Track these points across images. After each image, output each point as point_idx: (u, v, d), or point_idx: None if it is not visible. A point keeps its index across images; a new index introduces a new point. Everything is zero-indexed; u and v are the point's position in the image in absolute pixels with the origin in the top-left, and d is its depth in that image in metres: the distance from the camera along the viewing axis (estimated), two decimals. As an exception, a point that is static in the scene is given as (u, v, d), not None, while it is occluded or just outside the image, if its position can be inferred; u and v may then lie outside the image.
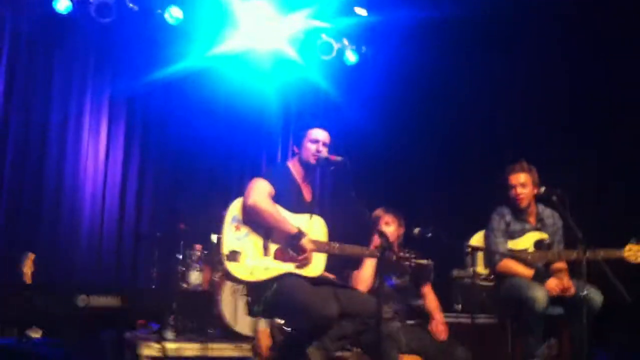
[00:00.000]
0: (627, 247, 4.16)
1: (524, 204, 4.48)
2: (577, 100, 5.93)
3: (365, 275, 4.24)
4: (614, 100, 5.67)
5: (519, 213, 4.53)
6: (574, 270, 4.30)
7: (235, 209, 3.77)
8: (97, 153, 6.35)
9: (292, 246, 3.76)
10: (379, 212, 4.39)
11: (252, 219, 3.74)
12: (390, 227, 4.34)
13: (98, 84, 6.44)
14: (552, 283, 4.23)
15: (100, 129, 6.42)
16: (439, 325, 4.29)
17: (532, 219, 4.56)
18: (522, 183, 4.46)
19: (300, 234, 3.73)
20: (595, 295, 4.16)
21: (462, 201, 6.14)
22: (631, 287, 3.95)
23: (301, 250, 3.75)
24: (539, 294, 4.13)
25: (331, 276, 4.05)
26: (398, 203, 4.63)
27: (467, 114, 6.49)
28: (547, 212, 4.58)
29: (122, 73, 6.51)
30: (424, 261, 3.97)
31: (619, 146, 5.45)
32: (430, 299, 4.47)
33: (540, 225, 4.54)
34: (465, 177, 6.36)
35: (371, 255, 3.87)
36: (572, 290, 4.21)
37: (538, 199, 4.51)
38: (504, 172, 4.55)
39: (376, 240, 4.00)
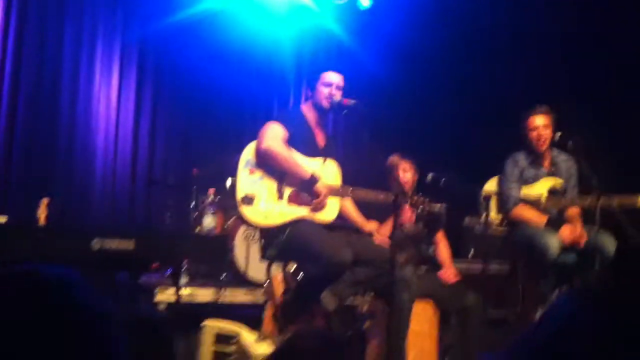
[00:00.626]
0: None
1: (544, 146, 4.44)
2: (592, 46, 5.80)
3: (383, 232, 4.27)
4: (633, 45, 5.54)
5: (534, 157, 4.50)
6: (587, 217, 4.29)
7: (248, 153, 3.76)
8: (109, 98, 6.31)
9: (306, 190, 3.76)
10: (395, 159, 4.38)
11: (266, 163, 3.74)
12: (407, 173, 4.35)
13: (109, 27, 6.36)
14: (565, 231, 4.21)
15: (112, 73, 6.36)
16: (449, 273, 4.33)
17: (546, 164, 4.52)
18: (545, 125, 4.42)
19: (314, 178, 3.72)
20: (609, 243, 4.15)
21: (477, 148, 6.09)
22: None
23: (315, 194, 3.74)
24: (552, 242, 4.12)
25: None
26: (412, 149, 4.61)
27: (484, 59, 6.38)
28: (562, 157, 4.54)
29: (134, 16, 6.43)
30: (437, 206, 3.96)
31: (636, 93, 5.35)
32: (442, 247, 4.49)
33: (555, 170, 4.51)
34: (481, 124, 6.30)
35: (385, 200, 3.85)
36: (584, 239, 4.21)
37: (553, 144, 4.47)
38: (522, 117, 4.51)
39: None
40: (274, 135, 3.74)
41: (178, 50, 6.58)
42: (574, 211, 4.41)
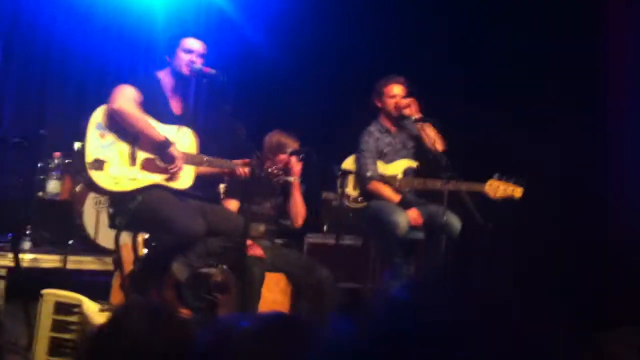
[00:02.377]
0: (489, 182, 4.30)
1: (393, 113, 4.59)
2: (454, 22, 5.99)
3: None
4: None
5: (387, 127, 4.64)
6: (436, 197, 4.47)
7: (99, 115, 3.58)
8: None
9: (161, 155, 3.63)
10: (280, 136, 4.30)
11: (118, 125, 3.57)
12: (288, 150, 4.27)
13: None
14: (413, 214, 4.37)
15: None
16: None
17: (395, 131, 4.66)
18: (402, 94, 4.57)
19: (167, 142, 3.61)
20: (455, 222, 4.35)
21: (339, 122, 6.16)
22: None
23: (170, 159, 3.62)
24: (401, 219, 4.26)
25: None
26: (276, 122, 4.58)
27: (357, 37, 6.44)
28: (409, 126, 4.69)
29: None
30: (291, 178, 3.96)
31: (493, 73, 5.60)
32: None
33: (401, 135, 4.67)
34: (343, 99, 6.38)
35: (240, 169, 3.81)
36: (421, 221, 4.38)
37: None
38: (376, 86, 4.62)
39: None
40: (125, 96, 3.59)
41: (39, 10, 6.13)
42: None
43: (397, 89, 4.58)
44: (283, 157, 4.23)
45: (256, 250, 4.14)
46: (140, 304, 1.95)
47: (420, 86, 4.73)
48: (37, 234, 4.74)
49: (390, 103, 4.58)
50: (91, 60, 6.31)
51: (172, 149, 3.62)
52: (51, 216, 4.89)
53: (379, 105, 4.65)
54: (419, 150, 4.66)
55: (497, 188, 4.27)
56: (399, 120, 4.64)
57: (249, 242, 4.00)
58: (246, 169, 3.83)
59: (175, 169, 3.66)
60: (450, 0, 5.99)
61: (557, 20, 5.45)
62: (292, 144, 4.30)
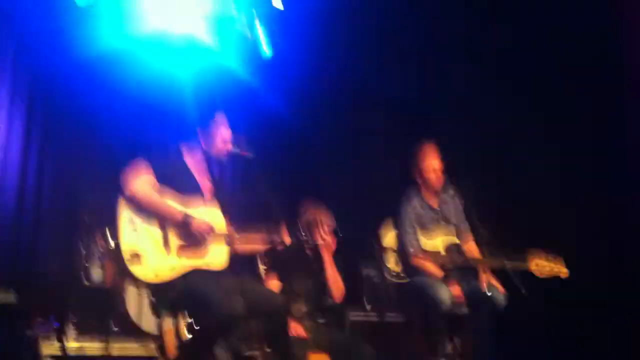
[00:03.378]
0: (535, 262, 4.28)
1: (436, 187, 4.61)
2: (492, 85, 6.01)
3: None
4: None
5: (426, 197, 4.63)
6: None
7: (127, 207, 3.64)
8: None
9: (186, 232, 3.64)
10: (315, 213, 4.31)
11: (137, 210, 3.62)
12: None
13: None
14: (456, 290, 4.32)
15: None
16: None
17: (436, 204, 4.67)
18: (436, 168, 4.59)
19: (187, 218, 3.64)
20: (499, 296, 4.28)
21: (374, 190, 6.16)
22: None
23: (198, 235, 3.63)
24: (445, 295, 4.22)
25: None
26: (310, 194, 4.59)
27: (386, 100, 6.51)
28: (448, 195, 4.70)
29: (25, 55, 6.15)
30: (321, 242, 3.92)
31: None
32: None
33: (444, 209, 4.66)
34: (384, 165, 6.40)
35: (272, 243, 3.81)
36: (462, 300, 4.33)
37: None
38: (410, 154, 4.66)
39: None
40: (141, 181, 3.66)
41: (71, 90, 6.32)
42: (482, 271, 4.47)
43: (435, 163, 4.60)
44: (317, 232, 4.24)
45: (299, 331, 4.10)
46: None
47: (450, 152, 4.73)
48: (82, 322, 4.76)
49: (432, 178, 4.59)
50: (123, 136, 6.42)
51: (195, 222, 3.64)
52: (95, 303, 4.93)
53: (419, 181, 4.64)
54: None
55: (544, 268, 4.22)
56: (441, 192, 4.63)
57: (291, 322, 3.98)
58: (284, 238, 3.83)
59: (209, 235, 3.65)
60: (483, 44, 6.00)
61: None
62: (327, 220, 4.31)
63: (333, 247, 4.24)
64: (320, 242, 4.05)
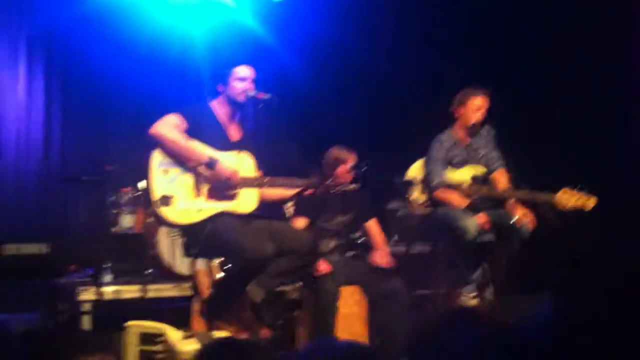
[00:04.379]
0: (562, 191, 4.25)
1: (477, 127, 4.56)
2: (515, 33, 5.90)
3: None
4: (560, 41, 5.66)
5: (458, 136, 4.61)
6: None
7: (159, 152, 3.68)
8: (15, 96, 6.02)
9: (212, 177, 3.68)
10: (336, 151, 4.37)
11: (164, 151, 3.66)
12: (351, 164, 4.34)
13: (14, 22, 6.06)
14: (482, 218, 4.33)
15: (18, 67, 6.07)
16: (384, 256, 4.36)
17: (468, 141, 4.63)
18: (486, 107, 4.55)
19: (213, 160, 3.67)
20: (526, 224, 4.29)
21: (396, 135, 6.16)
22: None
23: (222, 176, 3.68)
24: (470, 224, 4.24)
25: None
26: (331, 140, 4.61)
27: (401, 51, 6.42)
28: (482, 134, 4.66)
29: (39, 9, 6.14)
30: (351, 186, 3.95)
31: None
32: (374, 233, 4.51)
33: (473, 145, 4.62)
34: (398, 112, 6.37)
35: (301, 186, 3.84)
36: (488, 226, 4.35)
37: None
38: (457, 93, 4.60)
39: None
40: (165, 122, 3.70)
41: (88, 45, 6.31)
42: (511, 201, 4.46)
43: (481, 102, 4.54)
44: (341, 170, 4.27)
45: (323, 267, 4.15)
46: (228, 342, 2.01)
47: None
48: (116, 267, 4.89)
49: (471, 115, 4.54)
50: (143, 93, 6.43)
51: (220, 166, 3.67)
52: (128, 249, 5.04)
53: (457, 114, 4.60)
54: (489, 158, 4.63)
55: (569, 199, 4.20)
56: (474, 131, 4.60)
57: (319, 259, 4.06)
58: (310, 189, 3.85)
59: (232, 187, 3.70)
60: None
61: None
62: (348, 157, 4.35)
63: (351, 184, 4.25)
64: (342, 180, 4.07)
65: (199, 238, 3.69)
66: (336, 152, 4.40)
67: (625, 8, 5.32)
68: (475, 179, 4.56)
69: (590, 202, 4.21)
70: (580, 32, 5.44)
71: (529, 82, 5.62)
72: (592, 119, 5.35)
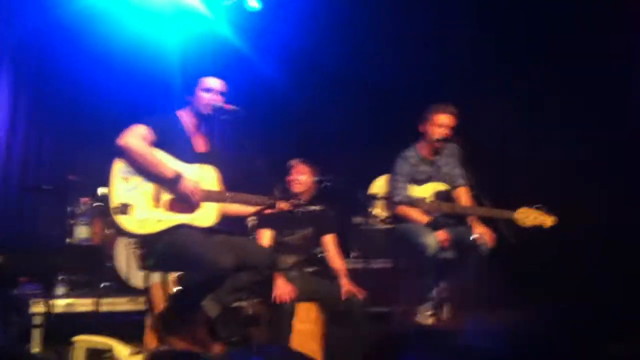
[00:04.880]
0: (520, 210, 4.31)
1: (438, 145, 4.58)
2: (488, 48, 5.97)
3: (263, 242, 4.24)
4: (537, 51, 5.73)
5: (424, 153, 4.62)
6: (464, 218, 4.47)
7: (121, 160, 3.62)
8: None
9: (174, 190, 3.64)
10: (293, 161, 4.38)
11: (129, 162, 3.60)
12: (303, 176, 4.33)
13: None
14: (442, 235, 4.35)
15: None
16: (347, 288, 4.28)
17: (432, 157, 4.66)
18: (450, 125, 4.55)
19: (177, 177, 3.62)
20: (485, 242, 4.31)
21: (365, 151, 6.17)
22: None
23: (185, 194, 3.64)
24: (430, 240, 4.25)
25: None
26: (302, 154, 4.60)
27: (375, 63, 6.46)
28: (445, 152, 4.68)
29: (9, 13, 6.05)
30: (316, 207, 3.94)
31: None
32: (332, 254, 4.47)
33: (437, 162, 4.64)
34: (369, 127, 6.40)
35: (262, 204, 3.81)
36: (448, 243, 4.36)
37: None
38: (426, 110, 4.61)
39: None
40: (134, 133, 3.63)
41: (56, 51, 6.25)
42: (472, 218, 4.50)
43: (446, 119, 4.55)
44: (290, 178, 4.29)
45: (282, 291, 4.10)
46: (169, 353, 1.96)
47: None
48: (71, 280, 4.79)
49: (435, 131, 4.56)
50: (110, 103, 6.38)
51: (184, 183, 3.63)
52: (83, 260, 4.94)
53: (422, 130, 4.63)
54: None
55: (528, 217, 4.26)
56: (437, 148, 4.63)
57: (276, 276, 4.02)
58: (282, 205, 3.83)
59: (195, 198, 3.66)
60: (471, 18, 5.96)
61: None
62: (298, 166, 4.33)
63: (305, 190, 4.23)
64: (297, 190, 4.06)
65: (156, 250, 3.63)
66: (292, 161, 4.41)
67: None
68: (437, 195, 4.58)
69: (549, 220, 4.27)
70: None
71: (496, 97, 5.67)
72: (556, 136, 5.41)
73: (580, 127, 5.24)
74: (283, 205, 3.84)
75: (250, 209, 3.95)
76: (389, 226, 4.61)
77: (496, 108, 5.58)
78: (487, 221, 4.40)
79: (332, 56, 6.47)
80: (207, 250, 3.55)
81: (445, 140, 4.56)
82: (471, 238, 4.18)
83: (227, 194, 3.78)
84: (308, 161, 4.41)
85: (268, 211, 3.87)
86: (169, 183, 3.64)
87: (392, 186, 4.58)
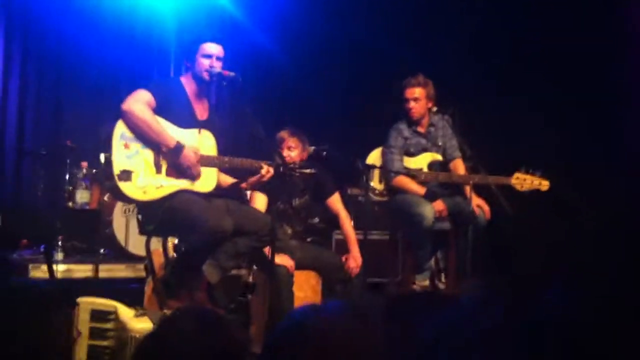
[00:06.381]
0: (515, 175, 4.36)
1: (415, 117, 4.57)
2: (480, 21, 5.96)
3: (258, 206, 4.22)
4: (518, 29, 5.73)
5: (413, 125, 4.62)
6: (461, 189, 4.50)
7: (122, 125, 3.61)
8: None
9: (175, 158, 3.65)
10: (283, 134, 4.31)
11: (131, 128, 3.60)
12: (293, 150, 4.28)
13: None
14: (439, 205, 4.37)
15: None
16: (353, 260, 4.24)
17: (424, 129, 4.66)
18: (415, 97, 4.53)
19: (178, 146, 3.63)
20: (482, 212, 4.35)
21: (361, 120, 6.17)
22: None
23: (185, 164, 3.65)
24: (427, 211, 4.28)
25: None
26: (301, 124, 4.59)
27: (369, 31, 6.44)
28: (440, 124, 4.68)
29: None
30: (308, 170, 3.92)
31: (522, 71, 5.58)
32: (343, 215, 4.41)
33: (432, 134, 4.65)
34: (364, 95, 6.38)
35: (259, 167, 3.80)
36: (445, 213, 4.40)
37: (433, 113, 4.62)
38: (400, 87, 4.60)
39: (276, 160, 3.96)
40: (137, 98, 3.62)
41: (50, 16, 6.19)
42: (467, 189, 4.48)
43: (411, 92, 4.54)
44: (280, 149, 4.23)
45: (282, 260, 4.10)
46: (191, 311, 1.97)
47: (438, 77, 4.70)
48: (69, 244, 4.80)
49: (406, 106, 4.56)
50: (106, 68, 6.36)
51: (185, 153, 3.64)
52: (81, 226, 4.96)
53: (405, 109, 4.63)
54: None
55: (524, 181, 4.30)
56: (416, 121, 4.62)
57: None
58: (270, 168, 3.82)
59: (192, 170, 3.67)
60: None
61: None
62: (288, 138, 4.29)
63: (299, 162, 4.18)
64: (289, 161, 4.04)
65: (157, 215, 3.65)
66: (282, 133, 4.36)
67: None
68: (431, 165, 4.61)
69: (545, 184, 4.31)
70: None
71: (485, 70, 5.68)
72: (553, 105, 5.43)
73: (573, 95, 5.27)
74: (268, 169, 3.81)
75: (245, 182, 3.95)
76: (385, 198, 4.63)
77: (491, 77, 5.61)
78: (483, 193, 4.43)
79: (328, 23, 6.45)
80: (208, 213, 3.58)
81: (438, 112, 4.56)
82: (469, 209, 4.21)
83: (225, 159, 3.79)
84: (298, 131, 4.37)
85: (254, 178, 3.85)
86: (171, 152, 3.65)
87: (387, 158, 4.59)
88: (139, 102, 3.61)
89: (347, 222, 4.41)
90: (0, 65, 5.99)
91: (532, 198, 4.33)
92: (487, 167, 4.30)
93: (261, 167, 3.79)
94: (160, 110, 3.68)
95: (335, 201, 4.45)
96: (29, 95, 6.18)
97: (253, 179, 3.88)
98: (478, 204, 4.36)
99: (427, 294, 3.70)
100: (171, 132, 3.68)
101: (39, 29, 6.24)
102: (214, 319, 1.91)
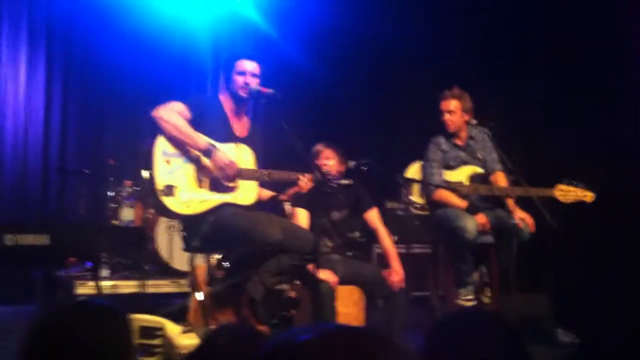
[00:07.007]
0: (558, 187, 4.32)
1: (450, 129, 4.55)
2: (518, 33, 5.93)
3: (300, 222, 4.24)
4: (556, 39, 5.68)
5: (451, 138, 4.60)
6: (503, 202, 4.46)
7: (162, 142, 3.67)
8: (16, 86, 6.02)
9: (211, 165, 3.67)
10: (319, 146, 4.34)
11: (182, 149, 3.65)
12: (330, 161, 4.29)
13: (15, 9, 6.05)
14: (481, 219, 4.34)
15: (19, 57, 6.07)
16: (395, 274, 4.17)
17: (462, 142, 4.63)
18: (450, 110, 4.52)
19: (211, 147, 3.65)
20: (526, 225, 4.30)
21: (399, 134, 6.17)
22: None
23: (218, 166, 3.67)
24: (469, 224, 4.24)
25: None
26: (334, 137, 4.60)
27: (403, 47, 6.44)
28: (479, 137, 4.66)
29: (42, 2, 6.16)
30: (345, 181, 3.92)
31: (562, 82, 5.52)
32: (381, 232, 4.37)
33: (471, 147, 4.62)
34: (402, 110, 6.38)
35: (298, 179, 3.81)
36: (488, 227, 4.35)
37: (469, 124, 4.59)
38: (437, 99, 4.59)
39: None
40: (168, 107, 3.67)
41: (90, 36, 6.33)
42: (510, 202, 4.48)
43: (446, 105, 4.52)
44: (318, 162, 4.22)
45: (325, 276, 4.10)
46: (229, 328, 2.00)
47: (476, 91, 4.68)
48: (115, 261, 4.88)
49: (443, 119, 4.55)
50: (145, 86, 6.43)
51: (217, 154, 3.66)
52: (126, 242, 5.02)
53: (442, 123, 4.61)
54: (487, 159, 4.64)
55: (568, 193, 4.25)
56: (453, 134, 4.60)
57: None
58: (309, 179, 3.83)
59: (229, 171, 3.69)
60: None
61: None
62: (324, 151, 4.31)
63: (333, 175, 4.17)
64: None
65: (202, 230, 3.68)
66: (318, 146, 4.37)
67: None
68: (472, 178, 4.57)
69: (589, 196, 4.26)
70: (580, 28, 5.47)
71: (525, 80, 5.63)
72: (589, 116, 5.37)
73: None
74: (306, 180, 3.82)
75: (284, 194, 3.97)
76: (426, 212, 4.60)
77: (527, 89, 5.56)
78: (526, 206, 4.38)
79: (363, 35, 6.46)
80: (255, 224, 3.60)
81: (477, 124, 4.54)
82: (512, 223, 4.17)
83: (265, 171, 3.81)
84: (334, 145, 4.38)
85: (293, 189, 3.86)
86: (203, 156, 3.67)
87: (427, 172, 4.57)
88: (168, 109, 3.66)
89: (385, 238, 4.38)
90: (42, 86, 6.13)
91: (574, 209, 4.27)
92: (528, 181, 4.26)
93: (299, 179, 3.81)
94: (196, 124, 3.71)
95: (372, 216, 4.44)
96: (71, 115, 6.32)
97: (292, 190, 3.90)
98: (521, 217, 4.31)
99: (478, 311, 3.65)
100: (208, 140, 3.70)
101: (79, 49, 6.38)
102: (250, 335, 1.94)
